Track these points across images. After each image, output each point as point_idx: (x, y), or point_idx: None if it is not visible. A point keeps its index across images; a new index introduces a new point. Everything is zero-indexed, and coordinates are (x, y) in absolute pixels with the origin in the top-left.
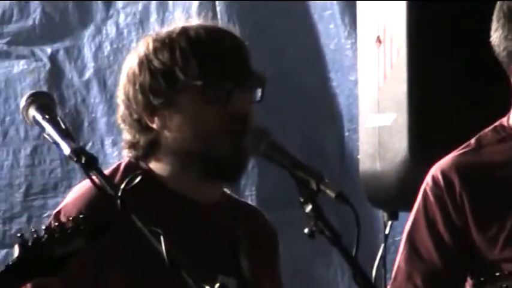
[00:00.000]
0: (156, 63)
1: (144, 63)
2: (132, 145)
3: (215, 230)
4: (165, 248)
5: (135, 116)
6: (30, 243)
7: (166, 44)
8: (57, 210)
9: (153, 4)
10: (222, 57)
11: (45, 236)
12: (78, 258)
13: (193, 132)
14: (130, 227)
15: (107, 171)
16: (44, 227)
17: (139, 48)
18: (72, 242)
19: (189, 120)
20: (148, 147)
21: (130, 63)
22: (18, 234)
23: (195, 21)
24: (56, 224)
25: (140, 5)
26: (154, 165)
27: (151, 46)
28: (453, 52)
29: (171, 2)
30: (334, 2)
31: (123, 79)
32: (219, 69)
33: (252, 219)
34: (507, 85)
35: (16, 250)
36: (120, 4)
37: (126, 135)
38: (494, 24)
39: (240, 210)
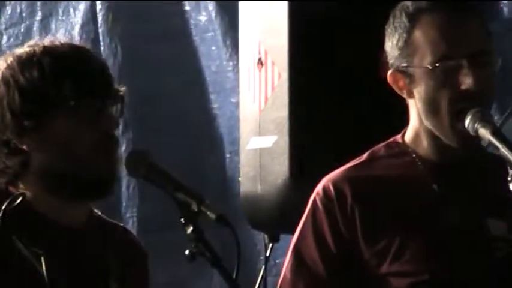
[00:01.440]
0: (24, 82)
1: (11, 82)
2: (2, 168)
3: (84, 256)
4: (45, 269)
5: (3, 138)
6: None
7: (34, 62)
8: None
9: (36, 25)
10: (92, 76)
11: None
12: None
13: (67, 153)
14: (9, 250)
15: None
16: None
17: (3, 66)
18: None
19: (61, 141)
20: (18, 170)
21: None
22: None
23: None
24: None
25: (23, 26)
26: (24, 189)
27: (15, 65)
28: (335, 75)
29: (53, 24)
30: (216, 23)
31: None
32: (90, 89)
33: (121, 240)
34: (392, 106)
35: None
36: (3, 25)
37: None
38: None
39: (109, 232)
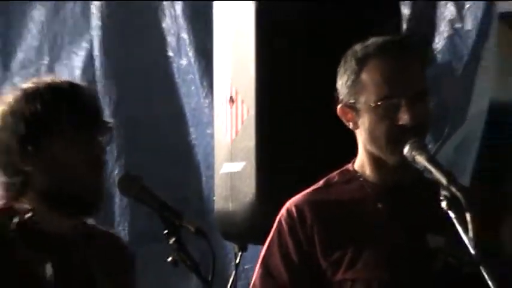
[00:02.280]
0: (28, 113)
1: (17, 113)
2: (6, 188)
3: (74, 260)
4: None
5: (9, 160)
6: None
7: (37, 96)
8: None
9: (43, 68)
10: (85, 110)
11: None
12: None
13: (63, 174)
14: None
15: None
16: None
17: (9, 99)
18: None
19: (58, 163)
20: (20, 188)
21: (1, 113)
22: None
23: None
24: None
25: (32, 69)
26: (26, 205)
27: (22, 98)
28: (296, 111)
29: (57, 67)
30: (195, 67)
31: None
32: (83, 120)
33: (109, 244)
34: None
35: None
36: (15, 68)
37: (1, 178)
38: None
39: (98, 238)
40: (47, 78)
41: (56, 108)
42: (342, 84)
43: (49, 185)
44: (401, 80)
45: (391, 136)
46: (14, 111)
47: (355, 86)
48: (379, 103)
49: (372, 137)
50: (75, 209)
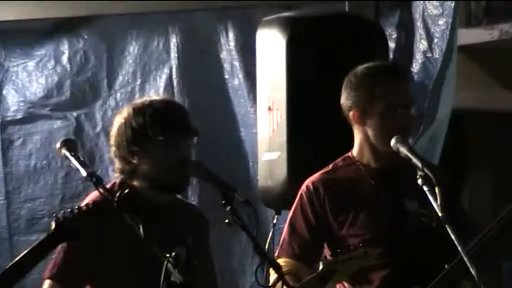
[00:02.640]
0: (134, 124)
1: (127, 123)
2: (121, 171)
3: (171, 219)
4: (142, 231)
5: (122, 155)
6: (61, 220)
7: (141, 112)
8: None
9: (137, 88)
10: (175, 120)
11: (70, 216)
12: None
13: (159, 166)
14: (119, 220)
15: (108, 185)
16: (69, 211)
17: (124, 113)
18: (84, 220)
19: (156, 160)
20: (130, 173)
21: (118, 122)
22: (54, 215)
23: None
24: (76, 209)
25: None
26: (135, 183)
27: (131, 112)
28: (316, 116)
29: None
30: (244, 85)
31: (115, 131)
32: (173, 128)
33: (191, 211)
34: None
35: (52, 225)
36: (117, 87)
37: (118, 165)
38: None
39: (185, 207)
40: (149, 98)
41: (153, 122)
42: (355, 94)
43: (149, 173)
44: (404, 93)
45: (394, 133)
46: (125, 122)
47: (370, 95)
48: (390, 108)
49: (380, 134)
50: (167, 190)
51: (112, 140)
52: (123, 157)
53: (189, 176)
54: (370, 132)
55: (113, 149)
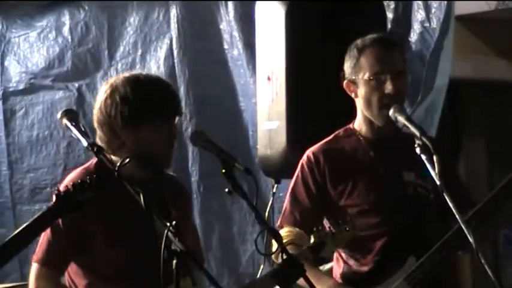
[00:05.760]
0: (131, 98)
1: (122, 98)
2: (107, 144)
3: (156, 194)
4: (143, 200)
5: (113, 127)
6: (62, 194)
7: (136, 88)
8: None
9: (138, 58)
10: (168, 101)
11: (71, 189)
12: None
13: (148, 144)
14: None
15: (86, 165)
16: (71, 184)
17: (118, 87)
18: (86, 192)
19: (146, 138)
20: (117, 148)
21: (109, 92)
22: (55, 188)
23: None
24: (78, 182)
25: (130, 58)
26: (118, 158)
27: (126, 83)
28: (315, 85)
29: (148, 57)
30: (244, 56)
31: (101, 102)
32: (166, 109)
33: (174, 184)
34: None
35: (53, 198)
36: (118, 58)
37: (104, 137)
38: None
39: (170, 181)
40: (141, 72)
41: (150, 99)
42: (347, 66)
43: (137, 148)
44: (387, 62)
45: (380, 102)
46: (120, 93)
47: (356, 66)
48: (371, 78)
49: (367, 103)
50: (152, 165)
51: (101, 108)
52: (113, 131)
53: (171, 155)
54: (361, 102)
55: (100, 117)
